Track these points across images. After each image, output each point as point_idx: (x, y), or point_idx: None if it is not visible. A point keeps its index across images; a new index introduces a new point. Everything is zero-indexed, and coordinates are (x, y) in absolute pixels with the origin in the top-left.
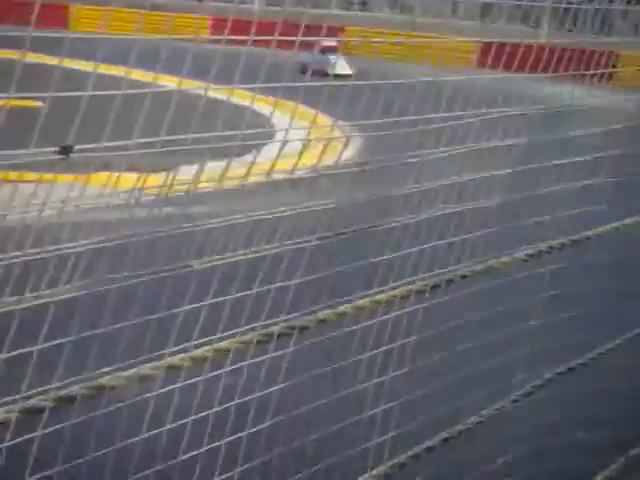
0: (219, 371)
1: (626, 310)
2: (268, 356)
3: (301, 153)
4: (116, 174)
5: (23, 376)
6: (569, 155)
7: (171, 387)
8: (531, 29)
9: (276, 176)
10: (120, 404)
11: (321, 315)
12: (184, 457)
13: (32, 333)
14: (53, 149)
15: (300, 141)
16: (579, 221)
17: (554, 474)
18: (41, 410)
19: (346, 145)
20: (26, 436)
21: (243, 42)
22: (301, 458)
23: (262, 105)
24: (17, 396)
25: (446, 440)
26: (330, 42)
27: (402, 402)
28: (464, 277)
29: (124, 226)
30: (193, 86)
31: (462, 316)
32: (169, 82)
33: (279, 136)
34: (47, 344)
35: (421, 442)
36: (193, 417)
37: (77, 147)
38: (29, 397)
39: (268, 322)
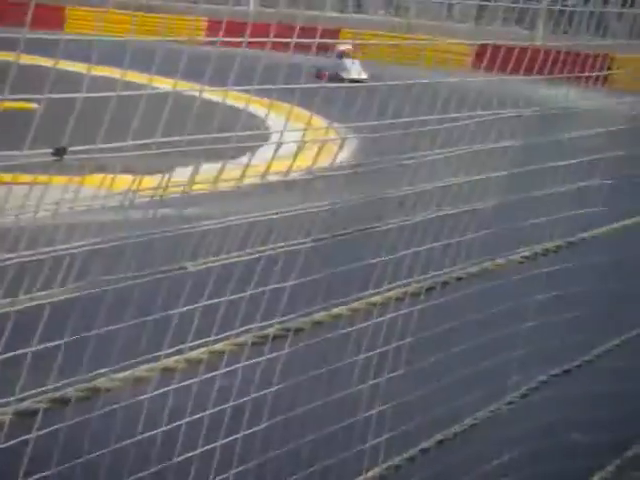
0: (214, 373)
1: (621, 312)
2: (263, 358)
3: (296, 155)
4: (111, 176)
5: (17, 378)
6: (564, 157)
7: (166, 389)
8: (526, 31)
9: (271, 178)
10: (115, 406)
11: (316, 317)
12: (179, 459)
13: (26, 335)
14: (47, 151)
15: (295, 143)
16: (575, 223)
17: (550, 476)
18: (35, 412)
19: (341, 147)
20: (20, 438)
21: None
22: (296, 460)
23: (257, 107)
24: (11, 398)
25: (441, 442)
26: (346, 46)
27: (397, 404)
28: (459, 279)
29: (119, 228)
30: (187, 87)
31: (457, 318)
32: (164, 84)
33: (274, 138)
34: (42, 346)
35: (416, 444)
36: (188, 419)
37: (71, 149)
38: (23, 399)
39: (263, 324)
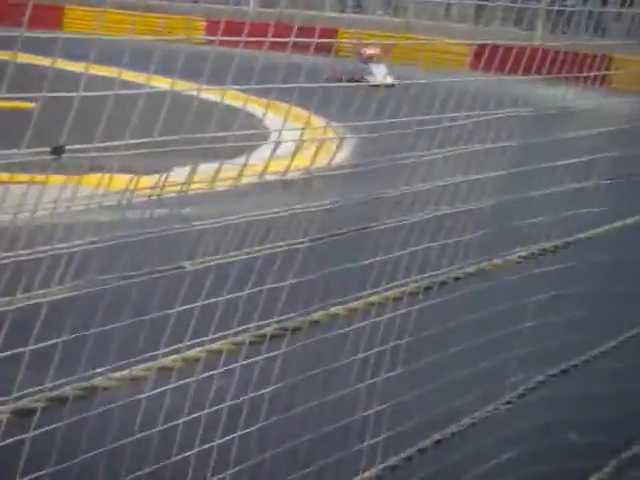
0: (211, 372)
1: (618, 312)
2: (261, 357)
3: (294, 155)
4: (108, 175)
5: (15, 377)
6: (561, 157)
7: (163, 388)
8: (525, 31)
9: (269, 178)
10: (112, 405)
11: (314, 316)
12: (176, 458)
13: (24, 333)
14: (45, 149)
15: (293, 142)
16: (572, 223)
17: (547, 476)
18: (33, 411)
19: (339, 147)
20: (17, 437)
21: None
22: (293, 460)
23: (255, 106)
24: (9, 397)
25: (438, 442)
26: (374, 49)
27: (394, 404)
28: (457, 279)
29: (117, 227)
30: (185, 86)
31: (455, 318)
32: (162, 83)
33: (272, 137)
34: (39, 345)
35: (413, 444)
36: (185, 418)
37: (69, 147)
38: (21, 398)
39: (261, 323)
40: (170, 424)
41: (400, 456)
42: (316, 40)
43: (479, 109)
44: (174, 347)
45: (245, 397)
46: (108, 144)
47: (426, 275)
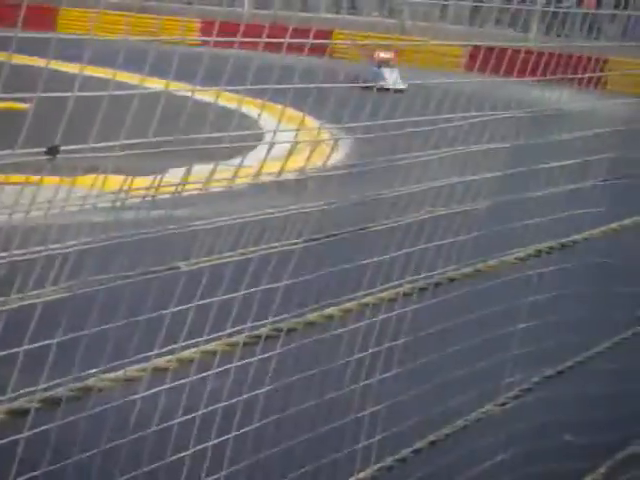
0: (206, 373)
1: (614, 313)
2: (255, 358)
3: (288, 156)
4: (103, 176)
5: (9, 377)
6: (557, 158)
7: (158, 389)
8: (520, 33)
9: (263, 179)
10: (106, 406)
11: (309, 317)
12: (170, 459)
13: (18, 334)
14: (40, 150)
15: (288, 144)
16: (568, 224)
17: (543, 477)
18: (27, 411)
19: (334, 148)
20: (11, 438)
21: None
22: (288, 461)
23: (250, 107)
24: (3, 397)
25: (433, 443)
26: (387, 54)
27: (389, 404)
28: (452, 280)
29: (111, 228)
30: (179, 87)
31: (450, 319)
32: (156, 84)
33: (267, 139)
34: (33, 345)
35: (408, 445)
36: (180, 419)
37: (63, 148)
38: (14, 398)
39: (255, 324)
40: (165, 425)
41: (395, 457)
42: (311, 41)
43: (474, 111)
44: (168, 348)
45: (240, 398)
46: (103, 145)
47: (421, 276)
